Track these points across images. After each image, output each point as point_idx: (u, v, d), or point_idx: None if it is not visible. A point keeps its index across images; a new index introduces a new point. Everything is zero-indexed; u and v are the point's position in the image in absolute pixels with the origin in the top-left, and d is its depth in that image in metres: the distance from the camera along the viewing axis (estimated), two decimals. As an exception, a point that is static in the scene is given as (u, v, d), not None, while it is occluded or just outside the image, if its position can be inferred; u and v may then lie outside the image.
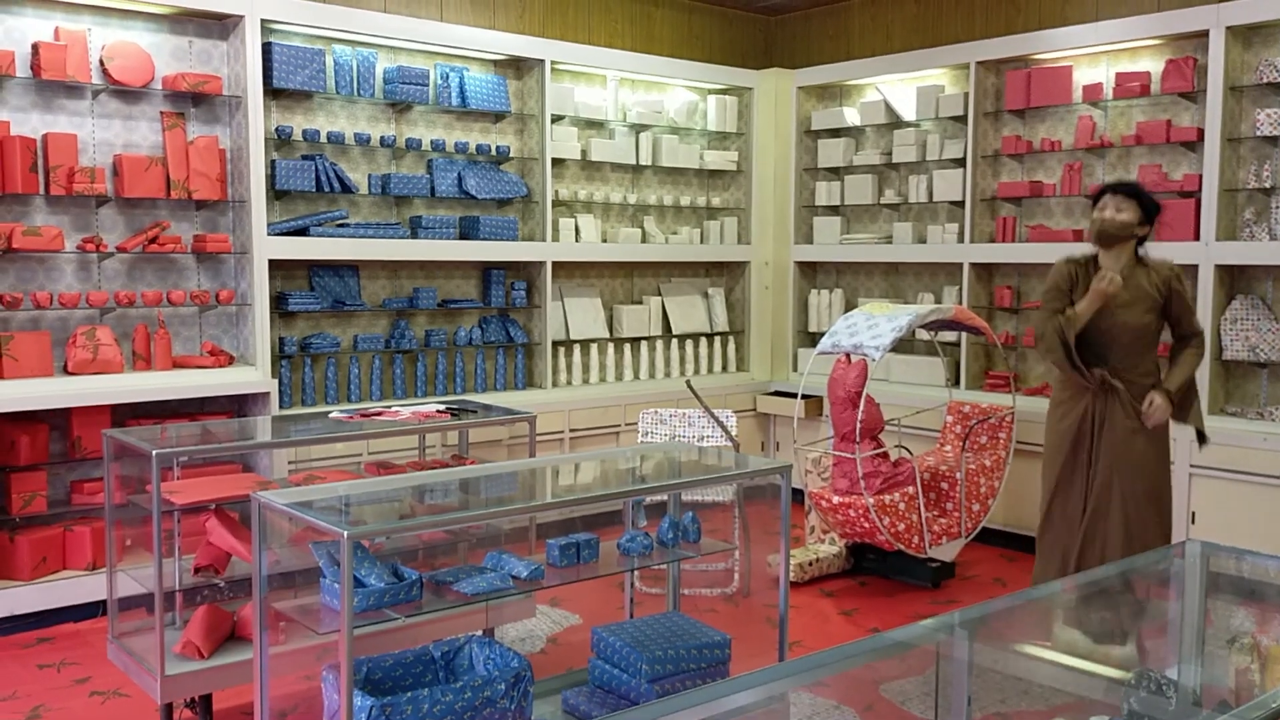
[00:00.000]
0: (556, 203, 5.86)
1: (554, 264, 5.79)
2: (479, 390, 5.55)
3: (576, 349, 5.91)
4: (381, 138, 5.22)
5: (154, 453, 3.03)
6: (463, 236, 5.47)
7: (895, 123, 6.24)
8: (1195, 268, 5.01)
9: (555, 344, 5.83)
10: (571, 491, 3.20)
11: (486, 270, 5.66)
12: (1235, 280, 5.09)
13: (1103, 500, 3.68)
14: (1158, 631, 2.42)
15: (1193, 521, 4.87)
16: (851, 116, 6.43)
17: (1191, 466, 4.85)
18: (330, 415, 3.83)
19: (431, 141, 5.38)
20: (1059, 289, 3.74)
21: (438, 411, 3.94)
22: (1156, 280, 3.68)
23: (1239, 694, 2.03)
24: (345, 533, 2.34)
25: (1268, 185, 4.89)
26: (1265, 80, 4.85)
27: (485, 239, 5.46)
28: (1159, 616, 2.51)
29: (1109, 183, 3.70)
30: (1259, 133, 4.91)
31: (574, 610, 4.42)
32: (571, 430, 5.62)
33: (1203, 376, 4.99)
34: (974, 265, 5.80)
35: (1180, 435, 4.87)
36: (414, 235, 5.27)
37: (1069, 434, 3.69)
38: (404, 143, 5.26)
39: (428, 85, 5.29)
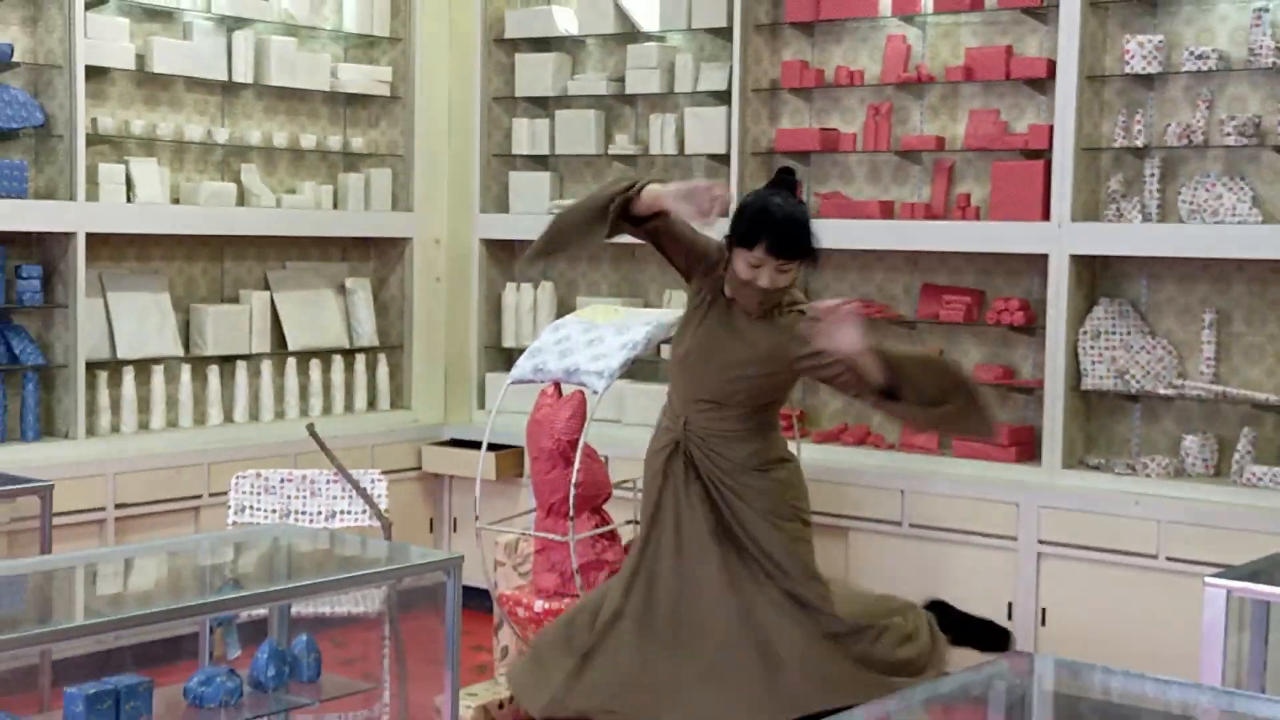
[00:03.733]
0: (95, 138, 5.84)
1: (90, 237, 5.77)
2: (-42, 443, 5.55)
3: (128, 375, 5.96)
4: None
5: None
6: (-68, 190, 5.47)
7: (630, 33, 6.47)
8: (1044, 260, 5.46)
9: (92, 366, 5.86)
10: (113, 607, 3.31)
11: (-25, 246, 5.65)
12: (1098, 278, 5.53)
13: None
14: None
15: (1042, 623, 5.24)
16: (565, 20, 6.65)
17: (1040, 543, 5.27)
18: None
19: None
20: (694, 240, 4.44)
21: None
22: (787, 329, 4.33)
23: None
24: None
25: (1139, 143, 5.40)
26: (1137, -7, 5.38)
27: (-29, 194, 5.46)
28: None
29: (768, 221, 4.18)
30: (1129, 69, 5.34)
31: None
32: (119, 507, 5.69)
33: (1054, 413, 5.42)
34: (744, 250, 6.08)
35: (1024, 500, 5.27)
36: None
37: (653, 477, 4.48)
38: None
39: None
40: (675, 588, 4.25)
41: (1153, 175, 5.35)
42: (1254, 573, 3.43)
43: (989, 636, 4.63)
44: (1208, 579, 3.36)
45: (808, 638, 4.16)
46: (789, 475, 4.40)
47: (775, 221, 4.10)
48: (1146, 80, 5.42)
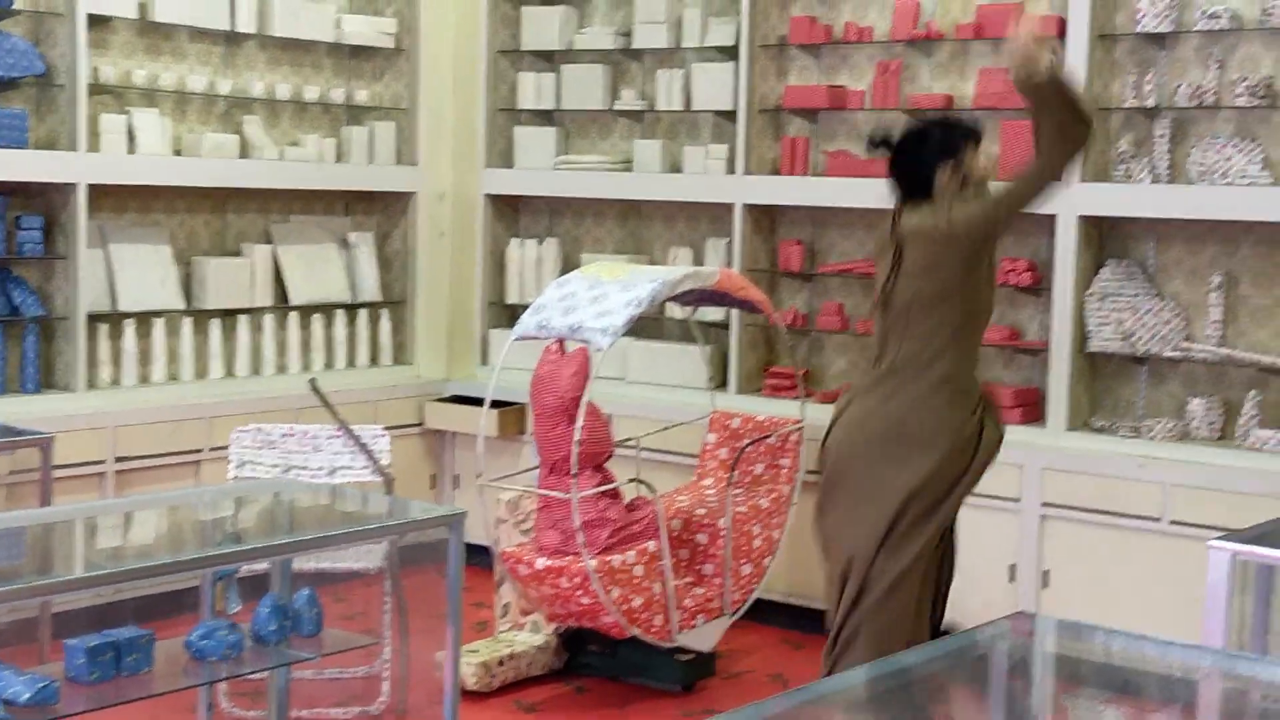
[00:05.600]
0: (97, 88, 5.87)
1: (92, 188, 5.81)
2: (-41, 395, 5.55)
3: (129, 327, 6.01)
4: None
5: None
6: (-70, 140, 5.49)
7: (639, -14, 6.54)
8: (1051, 220, 5.48)
9: (94, 319, 5.90)
10: (113, 560, 3.32)
11: (-26, 196, 5.64)
12: (1106, 239, 5.58)
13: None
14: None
15: (1045, 584, 5.33)
16: (572, -27, 6.77)
17: (1044, 506, 5.33)
18: None
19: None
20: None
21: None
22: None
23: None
24: None
25: (1149, 104, 5.41)
26: (1149, -49, 5.34)
27: (-29, 144, 5.45)
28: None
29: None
30: (1140, 28, 5.39)
31: (116, 753, 4.35)
32: (119, 460, 5.75)
33: (1059, 375, 5.45)
34: (750, 208, 6.17)
35: (1029, 462, 5.32)
36: None
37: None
38: None
39: None
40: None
41: (1163, 136, 5.36)
42: (1258, 536, 3.46)
43: None
44: (1211, 542, 3.38)
45: None
46: None
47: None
48: (1158, 39, 5.42)
